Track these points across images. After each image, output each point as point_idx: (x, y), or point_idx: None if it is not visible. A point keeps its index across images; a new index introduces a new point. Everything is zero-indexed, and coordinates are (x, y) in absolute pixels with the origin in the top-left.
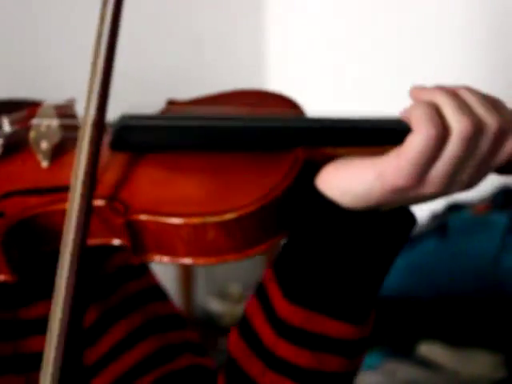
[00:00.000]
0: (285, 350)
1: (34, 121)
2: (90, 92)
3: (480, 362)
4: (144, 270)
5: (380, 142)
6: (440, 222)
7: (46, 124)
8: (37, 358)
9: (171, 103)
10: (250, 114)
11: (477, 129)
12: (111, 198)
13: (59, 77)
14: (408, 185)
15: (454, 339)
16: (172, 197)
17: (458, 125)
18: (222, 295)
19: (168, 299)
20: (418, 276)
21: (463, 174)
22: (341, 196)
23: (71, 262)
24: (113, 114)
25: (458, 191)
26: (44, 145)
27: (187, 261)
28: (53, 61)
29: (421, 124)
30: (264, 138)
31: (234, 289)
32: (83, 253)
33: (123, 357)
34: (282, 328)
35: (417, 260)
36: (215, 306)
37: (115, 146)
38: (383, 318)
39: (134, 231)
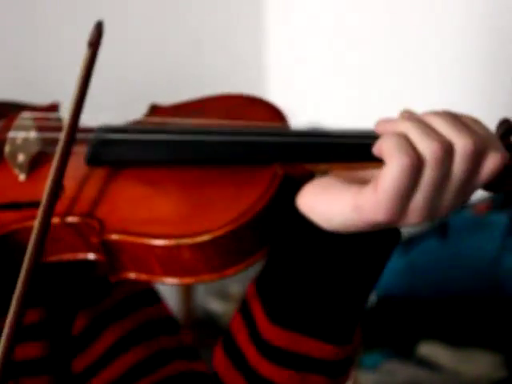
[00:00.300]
0: (268, 369)
1: (10, 133)
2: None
3: (480, 362)
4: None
5: (360, 158)
6: (440, 221)
7: (22, 136)
8: (28, 366)
9: (154, 108)
10: (228, 126)
11: (446, 151)
12: (87, 215)
13: (58, 77)
14: (388, 219)
15: (454, 339)
16: (147, 216)
17: (427, 150)
18: (222, 295)
19: (160, 302)
20: (418, 276)
21: (445, 199)
22: (320, 220)
23: (25, 277)
24: (113, 113)
25: (444, 214)
26: (21, 158)
27: (164, 280)
28: (52, 61)
29: (392, 155)
30: (240, 153)
31: (234, 289)
32: (36, 268)
33: (113, 364)
34: (266, 348)
35: (417, 260)
36: (215, 306)
37: (90, 160)
38: (383, 318)
39: (109, 249)
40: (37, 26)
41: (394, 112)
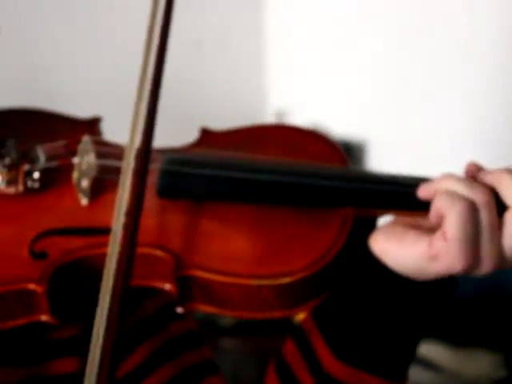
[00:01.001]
0: None
1: (75, 159)
2: (133, 125)
3: (480, 362)
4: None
5: (426, 208)
6: None
7: (86, 162)
8: (63, 381)
9: (205, 133)
10: (301, 166)
11: (491, 196)
12: (160, 247)
13: (59, 78)
14: (464, 266)
15: (454, 339)
16: (225, 252)
17: (475, 196)
18: None
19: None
20: None
21: (509, 244)
22: (394, 266)
23: (110, 308)
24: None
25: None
26: (84, 183)
27: (235, 314)
28: (54, 61)
29: (447, 206)
30: (315, 196)
31: None
32: (124, 298)
33: (147, 379)
34: (327, 380)
35: None
36: None
37: (162, 192)
38: None
39: (184, 284)
40: (37, 26)
41: (393, 112)
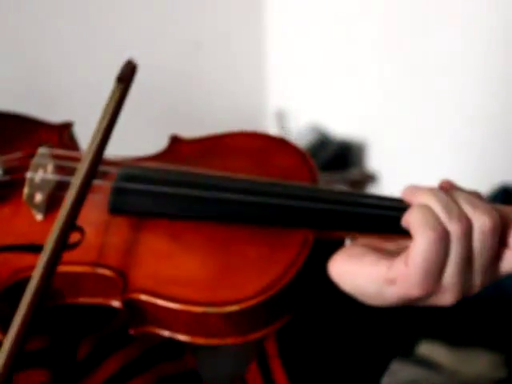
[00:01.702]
0: None
1: (28, 174)
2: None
3: (480, 362)
4: None
5: (390, 230)
6: None
7: (40, 176)
8: None
9: (174, 140)
10: (259, 182)
11: (467, 228)
12: (108, 267)
13: (59, 79)
14: (421, 294)
15: (454, 339)
16: (173, 275)
17: (453, 226)
18: None
19: None
20: None
21: (476, 277)
22: (352, 290)
23: (23, 320)
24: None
25: (475, 292)
26: (38, 197)
27: (186, 339)
28: (53, 61)
29: (419, 229)
30: (271, 215)
31: None
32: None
33: None
34: None
35: None
36: None
37: (113, 209)
38: None
39: (132, 306)
40: (38, 26)
41: (393, 112)
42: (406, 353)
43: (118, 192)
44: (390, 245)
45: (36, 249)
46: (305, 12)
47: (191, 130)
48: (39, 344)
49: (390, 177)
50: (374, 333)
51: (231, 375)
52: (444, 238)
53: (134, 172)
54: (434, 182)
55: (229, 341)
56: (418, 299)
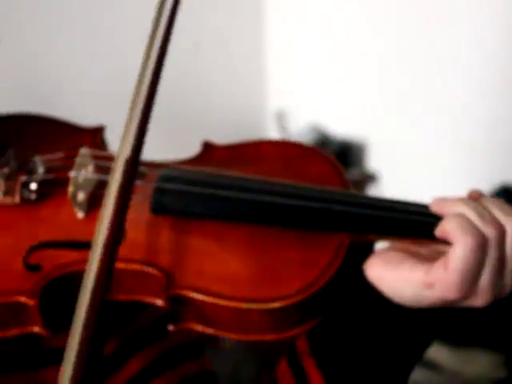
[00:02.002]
0: None
1: (72, 173)
2: (124, 135)
3: (480, 362)
4: None
5: (423, 235)
6: None
7: (83, 176)
8: None
9: (207, 146)
10: (297, 186)
11: (502, 232)
12: (152, 264)
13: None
14: (459, 297)
15: (454, 339)
16: (217, 273)
17: (488, 231)
18: None
19: None
20: None
21: (507, 279)
22: (390, 292)
23: (87, 317)
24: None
25: (505, 295)
26: (81, 196)
27: (226, 335)
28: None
29: (458, 236)
30: (310, 219)
31: None
32: (100, 312)
33: None
34: None
35: None
36: None
37: (155, 209)
38: None
39: (176, 303)
40: (38, 26)
41: (393, 112)
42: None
43: (160, 192)
44: (422, 249)
45: (77, 245)
46: (304, 12)
47: (191, 130)
48: (65, 341)
49: (390, 177)
50: (405, 330)
51: (232, 374)
52: (482, 243)
53: (175, 173)
54: (434, 182)
55: (267, 337)
56: (454, 302)
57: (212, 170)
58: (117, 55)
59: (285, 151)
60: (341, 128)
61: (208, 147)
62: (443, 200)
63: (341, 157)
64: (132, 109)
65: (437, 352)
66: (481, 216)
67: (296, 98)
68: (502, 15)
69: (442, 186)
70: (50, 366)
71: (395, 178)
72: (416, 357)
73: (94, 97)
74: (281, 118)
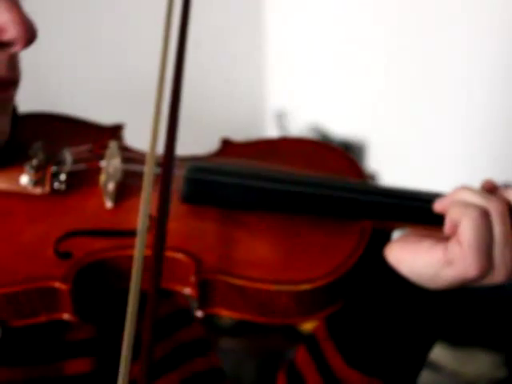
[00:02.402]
0: None
1: (103, 162)
2: (155, 129)
3: (480, 362)
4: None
5: (441, 223)
6: None
7: (112, 165)
8: (77, 381)
9: (226, 143)
10: (322, 178)
11: (506, 206)
12: (183, 251)
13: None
14: (478, 273)
15: (454, 339)
16: (246, 258)
17: (489, 205)
18: None
19: (193, 322)
20: None
21: None
22: (410, 273)
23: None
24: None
25: None
26: (110, 186)
27: (254, 319)
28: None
29: (462, 214)
30: (336, 207)
31: None
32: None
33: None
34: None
35: None
36: None
37: (187, 199)
38: None
39: (205, 288)
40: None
41: (393, 112)
42: None
43: (191, 182)
44: (439, 234)
45: (106, 234)
46: (304, 12)
47: (191, 130)
48: (86, 334)
49: (390, 177)
50: (423, 314)
51: (232, 374)
52: (484, 214)
53: (204, 164)
54: (434, 182)
55: (293, 320)
56: (474, 279)
57: (236, 161)
58: (117, 54)
59: (302, 147)
60: (341, 128)
61: (227, 144)
62: (443, 198)
63: None
64: (158, 101)
65: (437, 352)
66: (482, 195)
67: (296, 98)
68: (502, 14)
69: (443, 186)
70: (71, 359)
71: (395, 178)
72: (432, 341)
73: (94, 96)
74: (281, 117)
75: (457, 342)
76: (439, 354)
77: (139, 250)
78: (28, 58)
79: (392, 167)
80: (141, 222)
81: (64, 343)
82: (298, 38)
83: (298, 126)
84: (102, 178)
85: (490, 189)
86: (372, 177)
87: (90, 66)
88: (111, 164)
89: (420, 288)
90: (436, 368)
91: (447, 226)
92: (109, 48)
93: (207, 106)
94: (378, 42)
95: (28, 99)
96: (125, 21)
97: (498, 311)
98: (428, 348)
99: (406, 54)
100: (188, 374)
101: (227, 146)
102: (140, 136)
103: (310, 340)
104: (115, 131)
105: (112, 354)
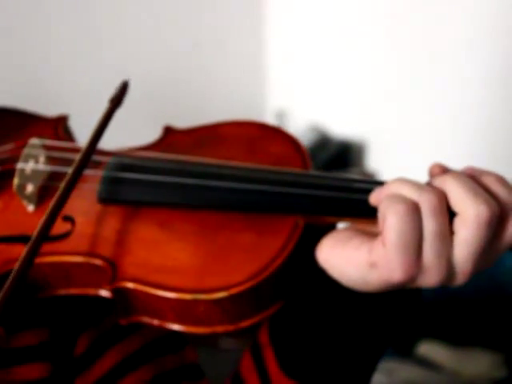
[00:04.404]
0: None
1: (19, 164)
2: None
3: (480, 362)
4: None
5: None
6: None
7: (31, 167)
8: None
9: (168, 130)
10: (251, 169)
11: (441, 202)
12: (98, 256)
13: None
14: (404, 276)
15: (454, 339)
16: (163, 263)
17: (421, 198)
18: None
19: None
20: None
21: (462, 261)
22: (339, 276)
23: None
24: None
25: (465, 279)
26: (29, 188)
27: (176, 327)
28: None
29: (387, 207)
30: (262, 202)
31: None
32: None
33: None
34: None
35: None
36: None
37: (102, 199)
38: None
39: (121, 295)
40: (39, 26)
41: (393, 112)
42: (406, 353)
43: (107, 181)
44: (376, 229)
45: (26, 240)
46: (305, 12)
47: None
48: (39, 338)
49: (390, 177)
50: (366, 320)
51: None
52: (413, 209)
53: (124, 161)
54: None
55: (219, 329)
56: (401, 283)
57: (163, 156)
58: (117, 54)
59: (245, 132)
60: (341, 128)
61: (168, 131)
62: (378, 190)
63: (341, 157)
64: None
65: (436, 352)
66: (414, 187)
67: (296, 98)
68: (499, 14)
69: None
70: (20, 365)
71: None
72: (377, 348)
73: (93, 97)
74: (281, 117)
75: (457, 342)
76: (439, 353)
77: (28, 254)
78: (28, 58)
79: (392, 167)
80: (40, 225)
81: (16, 348)
82: (298, 38)
83: (298, 126)
84: (15, 181)
85: (436, 173)
86: (372, 176)
87: (90, 66)
88: (29, 165)
89: (355, 292)
90: (436, 368)
91: (379, 222)
92: (108, 48)
93: (207, 106)
94: (378, 42)
95: (28, 99)
96: (124, 21)
97: (497, 311)
98: (372, 356)
99: (406, 54)
100: (158, 371)
101: (169, 133)
102: (138, 137)
103: (253, 345)
104: (57, 123)
105: (67, 359)
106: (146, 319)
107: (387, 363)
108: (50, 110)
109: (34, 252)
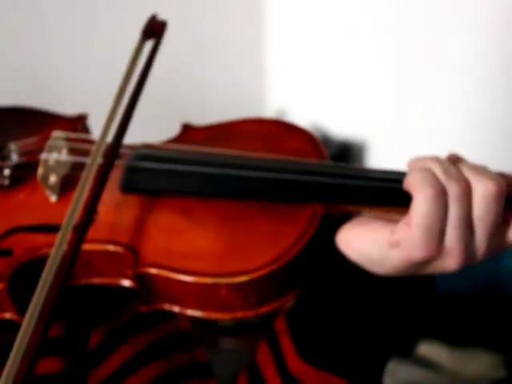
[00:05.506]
0: None
1: (43, 155)
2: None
3: (480, 362)
4: None
5: (397, 203)
6: None
7: (54, 158)
8: (46, 381)
9: (186, 128)
10: (269, 160)
11: (465, 191)
12: (120, 244)
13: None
14: (425, 256)
15: (454, 339)
16: (184, 249)
17: (450, 186)
18: None
19: (175, 317)
20: None
21: (479, 243)
22: (358, 259)
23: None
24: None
25: (480, 260)
26: (52, 179)
27: (197, 313)
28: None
29: (417, 187)
30: (282, 191)
31: None
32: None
33: (127, 381)
34: (292, 381)
35: None
36: None
37: (124, 188)
38: None
39: (143, 281)
40: (40, 26)
41: (393, 112)
42: (406, 353)
43: (129, 171)
44: (396, 216)
45: (49, 229)
46: (305, 12)
47: None
48: (54, 332)
49: None
50: (383, 307)
51: (232, 374)
52: (441, 195)
53: (146, 152)
54: None
55: (238, 314)
56: (422, 263)
57: (183, 147)
58: (118, 54)
59: (263, 128)
60: (341, 128)
61: (187, 128)
62: (418, 157)
63: (341, 157)
64: (118, 95)
65: (436, 352)
66: (446, 171)
67: (296, 98)
68: (503, 10)
69: None
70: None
71: None
72: (392, 333)
73: (94, 96)
74: (281, 117)
75: (457, 342)
76: (439, 353)
77: (59, 247)
78: (28, 57)
79: (392, 167)
80: (68, 215)
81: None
82: (298, 38)
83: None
84: (39, 171)
85: (454, 160)
86: None
87: (90, 66)
88: (52, 156)
89: (375, 277)
90: (436, 368)
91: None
92: (108, 48)
93: (207, 106)
94: (378, 42)
95: (28, 99)
96: (124, 21)
97: (498, 311)
98: (387, 344)
99: (406, 54)
100: (164, 370)
101: (187, 130)
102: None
103: (270, 333)
104: (76, 121)
105: (81, 353)
106: (167, 306)
107: (387, 363)
108: (50, 110)
109: (80, 241)
